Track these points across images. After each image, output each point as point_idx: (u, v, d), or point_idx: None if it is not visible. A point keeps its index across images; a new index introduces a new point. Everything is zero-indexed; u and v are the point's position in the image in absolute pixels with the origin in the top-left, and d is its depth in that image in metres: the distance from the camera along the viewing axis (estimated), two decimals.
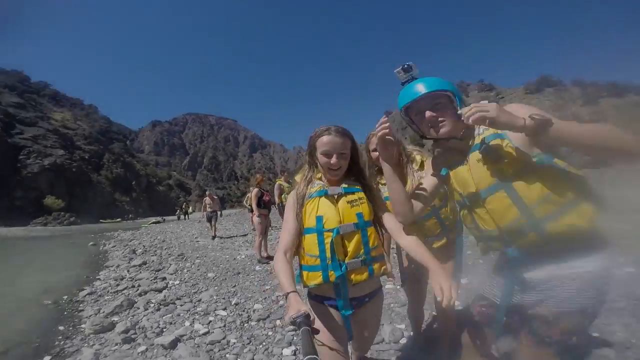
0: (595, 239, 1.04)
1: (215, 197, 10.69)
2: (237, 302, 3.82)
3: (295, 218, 1.36)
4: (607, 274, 1.03)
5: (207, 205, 10.14)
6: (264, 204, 6.05)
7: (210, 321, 3.28)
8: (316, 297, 1.38)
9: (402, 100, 1.24)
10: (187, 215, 28.40)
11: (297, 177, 1.46)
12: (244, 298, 3.96)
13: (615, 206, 6.70)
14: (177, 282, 5.02)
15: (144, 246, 9.53)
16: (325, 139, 1.33)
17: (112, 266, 6.84)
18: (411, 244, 1.27)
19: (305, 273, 1.33)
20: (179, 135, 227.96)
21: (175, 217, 31.07)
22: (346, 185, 1.38)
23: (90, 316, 3.77)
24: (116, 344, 2.95)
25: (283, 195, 6.21)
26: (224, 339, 2.84)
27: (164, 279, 5.27)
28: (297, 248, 1.36)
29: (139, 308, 3.90)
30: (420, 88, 1.18)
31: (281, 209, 6.23)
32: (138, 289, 4.73)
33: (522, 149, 1.06)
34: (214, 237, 9.53)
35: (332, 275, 1.26)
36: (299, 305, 1.07)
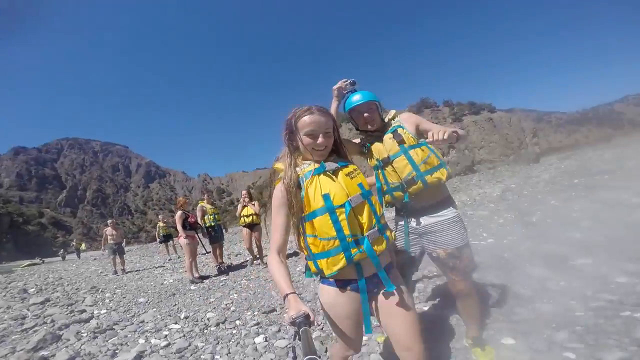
0: (446, 192, 1.89)
1: (118, 226, 9.61)
2: (187, 315, 3.72)
3: (286, 213, 1.27)
4: (460, 217, 1.85)
5: (109, 237, 8.91)
6: (189, 226, 6.11)
7: (166, 335, 3.15)
8: (337, 283, 1.28)
9: (349, 104, 1.86)
10: (79, 254, 24.96)
11: (278, 165, 1.35)
12: (192, 311, 3.83)
13: (478, 199, 8.89)
14: (104, 311, 4.57)
15: (36, 285, 8.00)
16: (308, 119, 1.27)
17: None
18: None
19: (323, 261, 1.24)
20: (52, 165, 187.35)
21: (60, 258, 27.25)
22: (343, 161, 1.38)
23: (6, 355, 3.24)
24: None
25: (206, 217, 6.49)
26: (189, 345, 2.80)
27: (84, 311, 4.70)
28: (299, 240, 1.32)
29: (69, 339, 3.48)
30: (361, 97, 1.82)
31: (204, 231, 6.48)
32: (54, 324, 4.13)
33: (413, 135, 1.84)
34: (119, 272, 8.49)
35: (357, 254, 1.21)
36: (298, 305, 1.08)
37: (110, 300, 5.17)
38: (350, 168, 1.35)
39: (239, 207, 6.39)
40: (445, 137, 1.47)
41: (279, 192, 1.28)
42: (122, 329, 3.58)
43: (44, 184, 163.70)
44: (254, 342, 2.71)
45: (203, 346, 2.79)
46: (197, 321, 3.50)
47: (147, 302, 4.73)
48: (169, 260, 10.60)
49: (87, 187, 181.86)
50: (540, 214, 5.55)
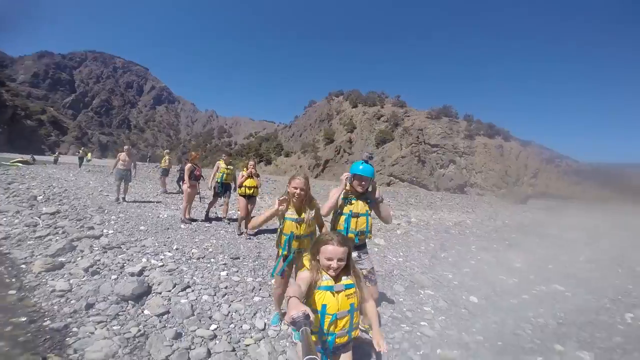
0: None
1: (133, 153, 9.88)
2: (177, 247, 4.91)
3: (303, 288, 1.75)
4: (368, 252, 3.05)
5: (121, 163, 8.98)
6: (195, 177, 7.06)
7: (162, 258, 4.41)
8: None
9: (357, 170, 2.81)
10: (81, 163, 23.55)
11: (306, 263, 1.90)
12: (181, 245, 5.03)
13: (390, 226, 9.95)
14: (111, 231, 5.65)
15: (44, 192, 8.95)
16: (329, 248, 1.79)
17: (6, 211, 6.24)
18: (371, 310, 2.04)
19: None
20: (70, 72, 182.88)
21: (52, 160, 26.56)
22: (347, 282, 1.85)
23: (25, 258, 4.09)
24: (83, 277, 3.63)
25: (217, 173, 7.15)
26: (177, 268, 4.03)
27: (93, 228, 5.67)
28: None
29: (83, 250, 4.43)
30: (368, 173, 2.78)
31: (217, 185, 7.07)
32: (68, 236, 4.97)
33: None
34: (120, 200, 8.88)
35: (324, 342, 1.80)
36: (299, 306, 1.19)
37: (115, 223, 6.24)
38: (352, 290, 1.85)
39: (243, 175, 6.44)
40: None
41: (305, 276, 1.82)
42: (127, 249, 4.71)
43: (56, 86, 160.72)
44: (219, 275, 4.06)
45: (187, 270, 4.07)
46: (184, 253, 4.75)
47: (146, 230, 5.89)
48: (163, 192, 11.47)
49: (97, 96, 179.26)
50: (453, 253, 6.65)
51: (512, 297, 4.54)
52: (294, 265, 3.00)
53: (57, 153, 30.45)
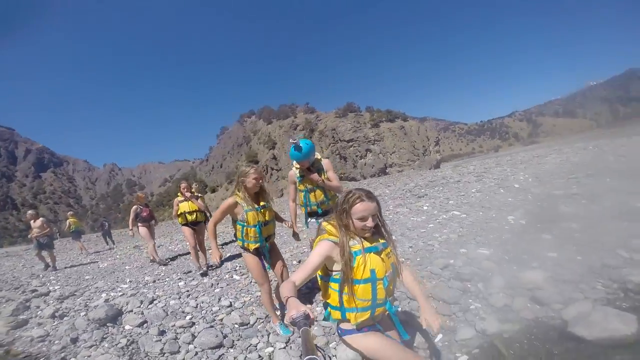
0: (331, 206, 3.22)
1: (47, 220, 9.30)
2: (131, 280, 5.67)
3: (322, 263, 1.60)
4: None
5: (36, 231, 8.23)
6: (142, 219, 7.00)
7: (120, 290, 5.10)
8: (357, 329, 1.67)
9: (293, 157, 3.21)
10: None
11: (331, 229, 1.67)
12: (134, 278, 5.76)
13: None
14: (57, 287, 5.83)
15: None
16: (361, 206, 1.58)
17: None
18: (410, 282, 1.79)
19: (352, 314, 1.62)
20: None
21: None
22: (382, 241, 1.69)
23: None
24: (54, 322, 3.96)
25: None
26: (138, 292, 4.82)
27: (36, 290, 5.43)
28: (341, 293, 1.63)
29: (39, 306, 4.54)
30: (292, 156, 3.19)
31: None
32: (14, 301, 4.73)
33: (326, 176, 3.27)
34: (50, 268, 8.24)
35: (378, 310, 1.63)
36: (299, 306, 1.17)
37: (56, 281, 6.33)
38: (388, 249, 1.69)
39: (178, 201, 5.90)
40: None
41: (327, 246, 1.61)
42: (82, 294, 5.06)
43: None
44: (178, 285, 4.88)
45: (147, 291, 4.72)
46: (139, 282, 5.36)
47: (93, 277, 6.20)
48: (87, 254, 10.94)
49: None
50: None
51: (421, 228, 5.60)
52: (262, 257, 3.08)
53: None
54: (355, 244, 1.62)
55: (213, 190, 67.45)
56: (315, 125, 53.41)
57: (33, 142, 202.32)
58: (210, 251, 4.20)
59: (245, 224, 2.90)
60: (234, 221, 3.01)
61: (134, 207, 7.01)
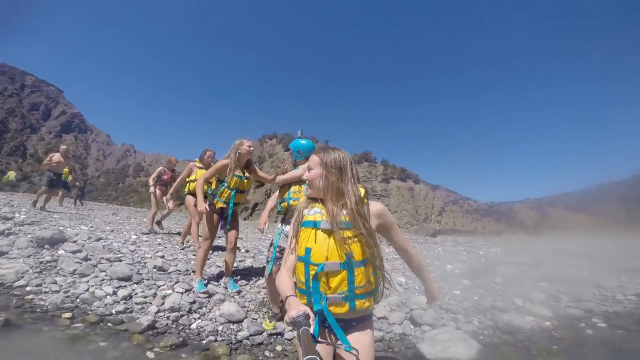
0: None
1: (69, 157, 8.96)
2: (92, 226, 6.13)
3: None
4: None
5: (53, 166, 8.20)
6: (162, 182, 6.79)
7: (78, 229, 5.58)
8: None
9: (296, 146, 3.03)
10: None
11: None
12: (95, 226, 6.11)
13: None
14: (23, 215, 6.15)
15: None
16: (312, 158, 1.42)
17: None
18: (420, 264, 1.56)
19: (296, 291, 1.29)
20: None
21: None
22: (347, 219, 1.29)
23: None
24: None
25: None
26: (94, 234, 5.20)
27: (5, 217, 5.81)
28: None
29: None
30: (300, 154, 3.03)
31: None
32: None
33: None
34: (39, 207, 7.73)
35: (317, 305, 1.25)
36: (298, 305, 1.13)
37: (27, 212, 6.62)
38: (349, 232, 1.27)
39: (194, 166, 5.43)
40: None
41: (295, 217, 1.40)
42: (40, 224, 5.41)
43: None
44: (131, 236, 5.39)
45: (101, 234, 5.08)
46: (99, 228, 5.82)
47: (60, 218, 6.64)
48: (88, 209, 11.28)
49: None
50: None
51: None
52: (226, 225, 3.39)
53: None
54: (316, 214, 1.34)
55: None
56: None
57: (72, 106, 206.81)
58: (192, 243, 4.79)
59: (226, 185, 3.27)
60: (218, 180, 3.33)
61: (160, 167, 6.88)
